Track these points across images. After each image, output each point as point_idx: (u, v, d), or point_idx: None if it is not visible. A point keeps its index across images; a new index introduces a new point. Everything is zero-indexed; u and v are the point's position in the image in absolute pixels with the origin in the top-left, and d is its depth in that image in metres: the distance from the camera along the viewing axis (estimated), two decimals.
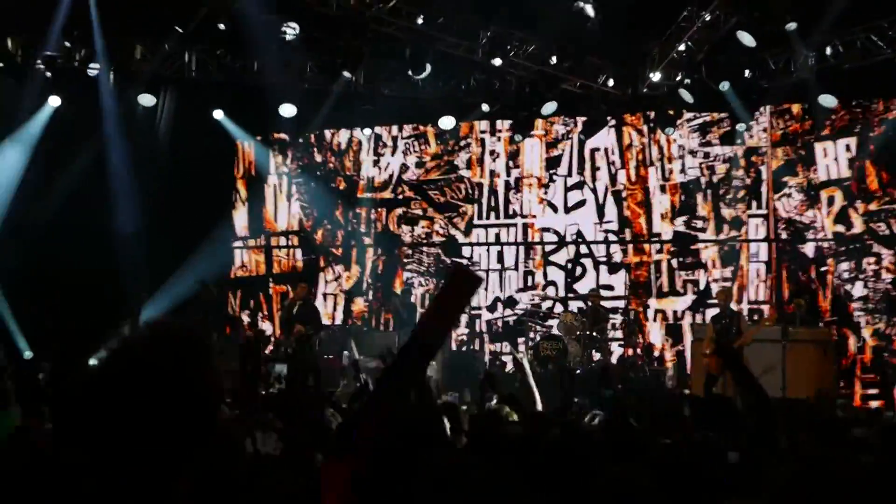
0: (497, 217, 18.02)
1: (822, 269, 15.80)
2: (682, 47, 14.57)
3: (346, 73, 15.60)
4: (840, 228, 15.76)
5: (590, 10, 13.01)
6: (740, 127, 15.94)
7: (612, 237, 17.29)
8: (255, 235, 19.48)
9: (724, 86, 14.82)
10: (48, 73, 15.01)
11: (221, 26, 14.18)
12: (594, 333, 15.15)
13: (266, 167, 19.44)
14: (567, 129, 17.64)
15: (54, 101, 15.85)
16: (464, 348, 17.24)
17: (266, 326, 18.77)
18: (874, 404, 14.61)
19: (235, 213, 19.53)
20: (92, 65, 15.37)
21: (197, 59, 15.98)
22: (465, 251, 18.03)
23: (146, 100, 16.06)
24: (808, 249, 16.00)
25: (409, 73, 15.00)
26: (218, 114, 17.30)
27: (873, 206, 15.58)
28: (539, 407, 10.34)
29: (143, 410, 1.89)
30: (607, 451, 4.06)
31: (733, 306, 14.24)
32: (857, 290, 15.56)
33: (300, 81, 16.19)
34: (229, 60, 16.06)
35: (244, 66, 16.14)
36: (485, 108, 16.59)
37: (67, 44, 15.14)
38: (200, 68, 16.06)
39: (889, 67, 14.08)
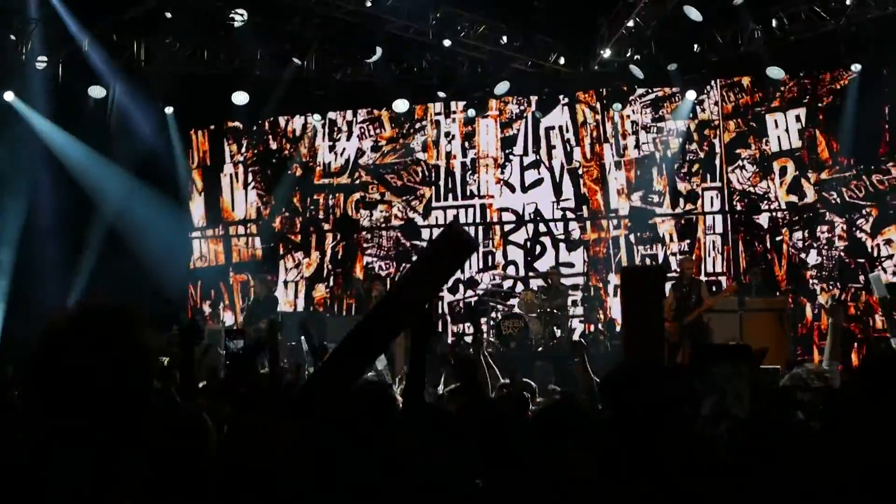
0: (455, 198, 18.04)
1: (777, 238, 16.00)
2: (630, 23, 14.64)
3: (296, 60, 15.53)
4: (793, 198, 15.96)
5: None
6: (689, 96, 16.08)
7: (569, 214, 17.38)
8: (212, 225, 19.38)
9: (672, 67, 14.96)
10: None
11: (168, 15, 14.07)
12: (555, 310, 15.24)
13: (221, 156, 19.32)
14: (521, 108, 17.68)
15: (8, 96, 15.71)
16: None
17: (227, 316, 18.71)
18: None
19: (192, 203, 19.41)
20: (40, 58, 15.19)
21: (147, 49, 15.84)
22: (425, 233, 18.05)
23: (96, 92, 15.89)
24: (763, 220, 16.19)
25: (360, 57, 14.97)
26: (168, 110, 17.21)
27: (825, 176, 15.78)
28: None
29: (76, 379, 1.95)
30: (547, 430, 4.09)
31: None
32: (812, 258, 15.77)
33: (251, 69, 16.08)
34: (179, 49, 15.92)
35: (194, 55, 16.02)
36: (441, 94, 16.61)
37: (12, 37, 14.93)
38: (150, 59, 15.91)
39: (833, 39, 14.25)
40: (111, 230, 16.69)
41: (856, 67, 14.89)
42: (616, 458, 3.19)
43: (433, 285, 2.55)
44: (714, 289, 15.53)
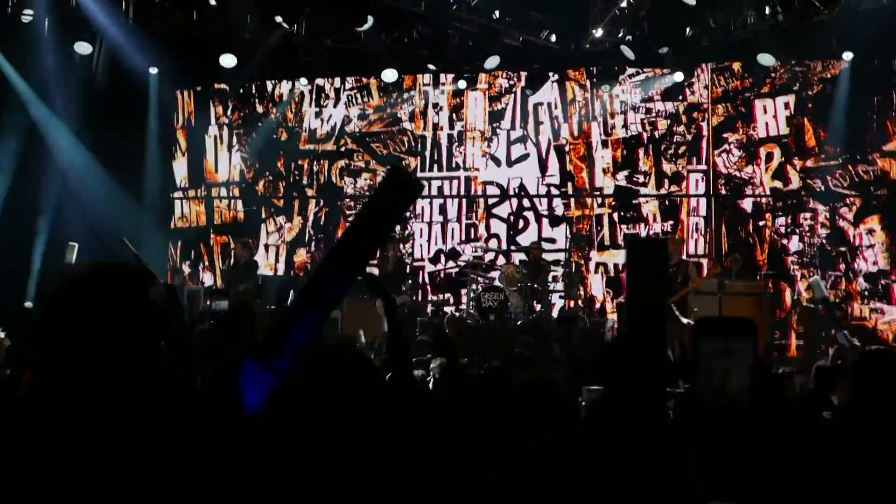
0: (440, 170, 18.01)
1: (760, 223, 16.08)
2: (623, 4, 14.61)
3: (285, 25, 15.42)
4: (778, 184, 16.03)
5: None
6: (677, 77, 16.10)
7: (554, 191, 17.40)
8: (194, 186, 19.29)
9: (664, 50, 14.95)
10: None
11: None
12: (535, 285, 15.28)
13: (206, 118, 19.19)
14: (510, 83, 17.63)
15: None
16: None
17: (207, 277, 18.68)
18: None
19: (175, 163, 19.31)
20: (26, 11, 15.01)
21: (135, 7, 15.65)
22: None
23: (82, 48, 15.71)
24: (747, 204, 16.26)
25: (351, 25, 14.87)
26: (153, 70, 17.07)
27: (810, 163, 15.85)
28: None
29: (87, 332, 2.01)
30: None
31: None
32: (794, 244, 15.87)
33: (241, 31, 15.94)
34: (169, 7, 15.75)
35: (184, 15, 15.85)
36: (431, 67, 16.55)
37: None
38: (138, 16, 15.72)
39: (826, 28, 14.27)
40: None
41: (847, 56, 14.91)
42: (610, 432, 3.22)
43: (381, 231, 2.50)
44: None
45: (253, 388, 2.33)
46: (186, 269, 18.99)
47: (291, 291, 14.24)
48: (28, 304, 14.63)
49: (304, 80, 18.05)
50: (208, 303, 14.73)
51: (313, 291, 2.40)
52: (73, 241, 13.48)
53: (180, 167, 19.33)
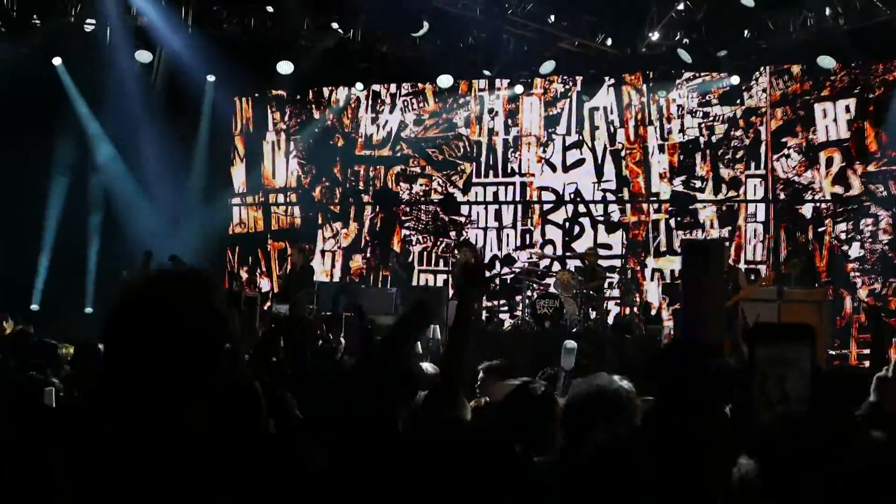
0: (495, 175, 18.00)
1: (819, 229, 15.83)
2: (681, 6, 14.47)
3: (340, 31, 15.53)
4: (838, 189, 15.77)
5: None
6: (734, 80, 15.90)
7: (610, 196, 17.29)
8: (252, 192, 19.48)
9: (723, 53, 14.79)
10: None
11: None
12: (591, 292, 15.18)
13: (264, 124, 19.37)
14: (566, 87, 17.56)
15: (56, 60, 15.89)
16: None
17: (264, 283, 18.84)
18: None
19: (234, 169, 19.52)
20: (89, 20, 15.29)
21: (194, 15, 15.87)
22: (464, 209, 18.04)
23: (143, 56, 15.97)
24: (806, 210, 16.01)
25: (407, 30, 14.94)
26: (210, 78, 17.27)
27: (872, 168, 15.57)
28: None
29: (152, 340, 2.02)
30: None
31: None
32: (854, 250, 15.59)
33: (297, 38, 16.08)
34: (226, 17, 15.94)
35: (241, 23, 16.03)
36: (486, 73, 16.57)
37: None
38: (197, 24, 15.94)
39: (888, 29, 13.99)
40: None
41: None
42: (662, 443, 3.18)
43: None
44: (752, 277, 15.42)
45: None
46: (244, 274, 19.17)
47: (340, 296, 14.28)
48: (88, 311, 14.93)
49: (360, 86, 18.13)
50: (267, 307, 14.96)
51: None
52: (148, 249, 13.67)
53: (239, 173, 19.53)
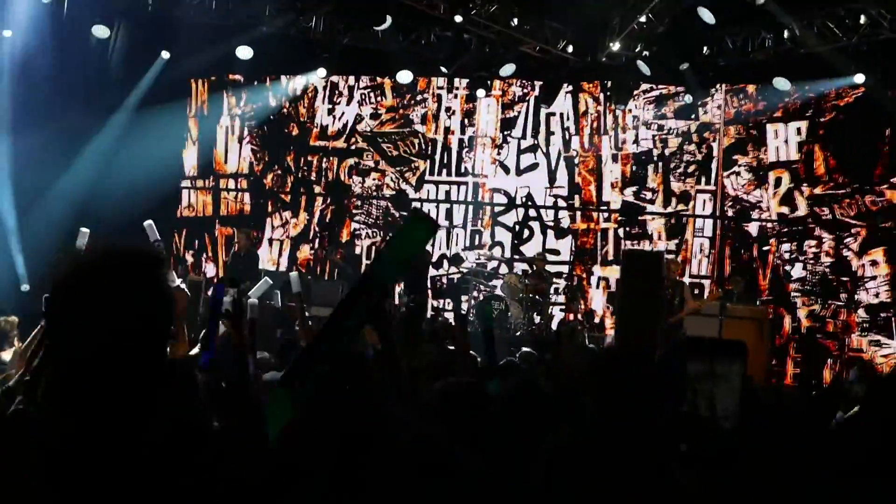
0: (448, 174, 18.00)
1: (764, 248, 16.04)
2: (643, 19, 14.58)
3: (303, 19, 15.44)
4: (784, 210, 16.00)
5: None
6: (687, 99, 16.02)
7: (561, 202, 17.38)
8: (203, 176, 19.28)
9: (684, 66, 14.91)
10: None
11: None
12: (537, 296, 15.26)
13: (219, 108, 19.18)
14: (524, 91, 17.62)
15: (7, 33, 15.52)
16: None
17: (209, 268, 18.67)
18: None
19: (185, 152, 19.29)
20: None
21: None
22: (415, 205, 18.01)
23: (100, 31, 15.73)
24: (752, 228, 16.23)
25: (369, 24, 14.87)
26: (165, 55, 16.99)
27: (818, 191, 15.81)
28: None
29: (97, 317, 1.96)
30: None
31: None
32: (797, 271, 15.83)
33: (258, 24, 15.94)
34: None
35: (202, 4, 15.87)
36: (444, 70, 16.52)
37: None
38: (158, 3, 15.74)
39: (843, 56, 14.21)
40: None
41: (861, 83, 14.77)
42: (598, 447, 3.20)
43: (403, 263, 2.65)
44: (696, 291, 15.58)
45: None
46: (189, 258, 18.97)
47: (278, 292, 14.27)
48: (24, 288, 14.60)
49: (322, 71, 17.69)
50: (209, 294, 14.76)
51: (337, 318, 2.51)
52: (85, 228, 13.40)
53: (190, 156, 19.31)
